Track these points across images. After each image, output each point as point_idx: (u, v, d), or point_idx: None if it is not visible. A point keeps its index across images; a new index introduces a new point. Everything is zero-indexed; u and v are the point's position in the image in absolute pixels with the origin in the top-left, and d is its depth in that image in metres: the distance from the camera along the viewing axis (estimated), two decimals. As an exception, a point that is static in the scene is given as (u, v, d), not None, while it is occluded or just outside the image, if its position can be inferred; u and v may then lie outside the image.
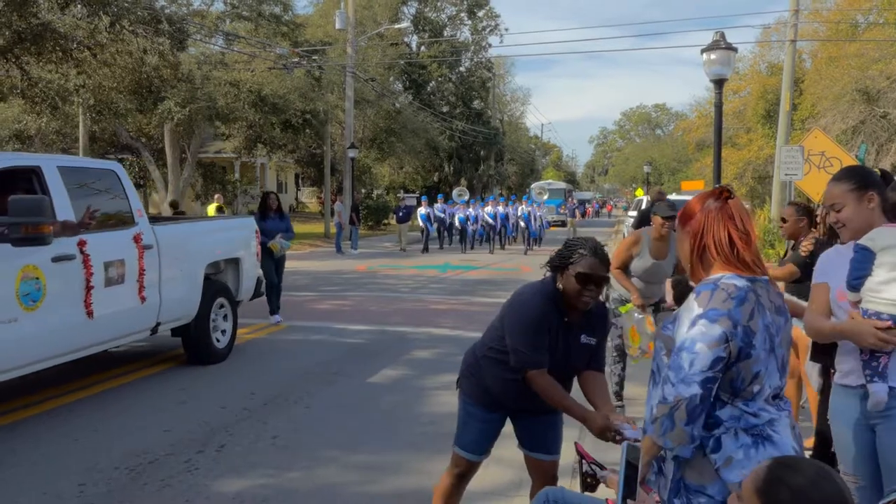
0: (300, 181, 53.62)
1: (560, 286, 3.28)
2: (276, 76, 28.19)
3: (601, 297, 3.45)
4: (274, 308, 11.07)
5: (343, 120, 35.20)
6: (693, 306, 2.31)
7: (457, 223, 28.02)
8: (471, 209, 28.09)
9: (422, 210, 27.78)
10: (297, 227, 35.39)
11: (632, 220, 20.85)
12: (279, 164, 45.23)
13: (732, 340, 2.24)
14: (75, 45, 16.69)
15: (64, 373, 7.57)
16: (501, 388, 3.47)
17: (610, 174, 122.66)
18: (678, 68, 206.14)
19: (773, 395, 2.34)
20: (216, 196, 22.00)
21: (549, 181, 60.34)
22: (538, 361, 3.26)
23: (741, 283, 2.31)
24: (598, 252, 3.25)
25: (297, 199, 54.30)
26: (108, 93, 20.23)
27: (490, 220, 27.32)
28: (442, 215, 28.11)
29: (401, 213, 27.68)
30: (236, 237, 9.11)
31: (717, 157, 11.60)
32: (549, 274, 3.38)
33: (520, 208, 29.37)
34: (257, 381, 7.54)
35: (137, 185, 41.80)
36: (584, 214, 66.75)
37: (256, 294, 9.42)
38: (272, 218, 11.02)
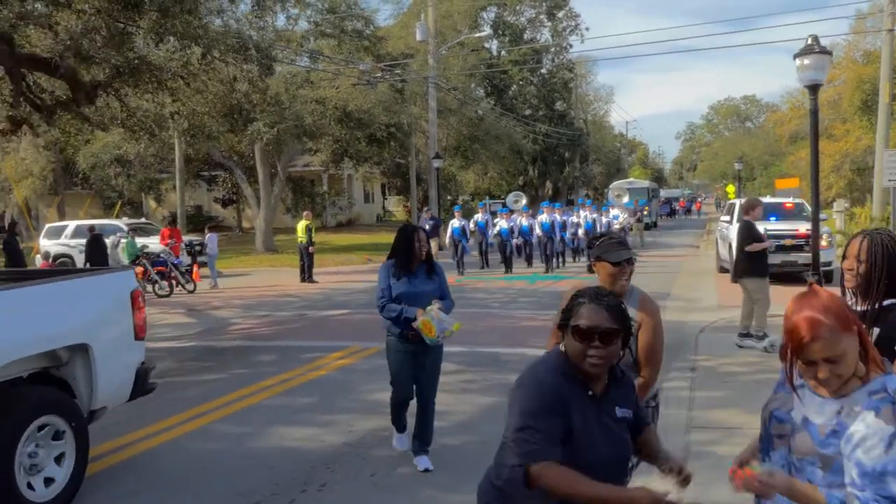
0: (387, 190, 54.29)
1: (564, 349, 2.70)
2: (361, 91, 28.67)
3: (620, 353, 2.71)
4: (417, 449, 6.13)
5: (427, 130, 35.49)
6: (877, 423, 2.17)
7: (492, 232, 23.36)
8: (523, 218, 23.43)
9: (455, 223, 22.58)
10: (385, 238, 35.97)
11: (726, 223, 19.88)
12: (366, 175, 45.90)
13: None
14: (169, 76, 17.29)
15: (156, 411, 7.86)
16: None
17: (699, 170, 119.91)
18: (768, 57, 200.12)
19: None
20: (304, 213, 22.47)
21: (631, 180, 56.00)
22: (547, 452, 2.52)
23: None
24: (600, 297, 2.66)
25: (384, 208, 55.02)
26: (201, 118, 21.00)
27: (542, 233, 22.39)
28: (482, 227, 23.64)
29: (427, 227, 22.43)
30: (91, 307, 5.88)
31: (815, 164, 11.20)
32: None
33: (584, 215, 24.22)
34: (354, 412, 7.67)
35: (230, 202, 43.16)
36: (671, 214, 65.40)
37: (140, 391, 6.32)
38: (418, 274, 5.88)
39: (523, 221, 23.09)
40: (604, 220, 24.49)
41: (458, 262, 21.59)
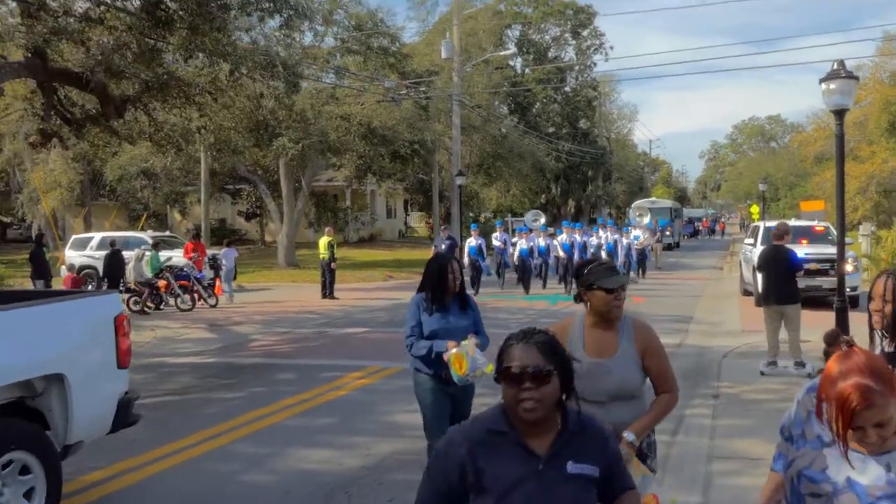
0: (409, 207, 54.44)
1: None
2: (385, 108, 28.80)
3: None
4: None
5: (450, 147, 35.58)
6: None
7: (512, 253, 22.62)
8: (541, 237, 22.64)
9: (472, 241, 21.87)
10: (406, 254, 36.06)
11: (750, 246, 19.68)
12: (388, 191, 46.08)
13: None
14: (197, 91, 17.49)
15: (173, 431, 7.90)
16: None
17: (723, 189, 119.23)
18: (793, 76, 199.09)
19: None
20: (327, 229, 22.55)
21: (654, 199, 55.07)
22: None
23: None
24: (529, 336, 2.45)
25: (406, 224, 55.17)
26: (228, 132, 21.21)
27: (563, 253, 21.95)
28: (501, 246, 23.08)
29: (443, 247, 20.79)
30: (69, 334, 5.52)
31: (840, 189, 11.07)
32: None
33: (604, 235, 23.40)
34: (373, 435, 7.66)
35: (254, 216, 43.46)
36: (694, 234, 64.98)
37: (122, 423, 5.89)
38: (451, 309, 5.37)
39: (541, 241, 22.47)
40: (624, 240, 23.77)
41: (472, 281, 20.88)
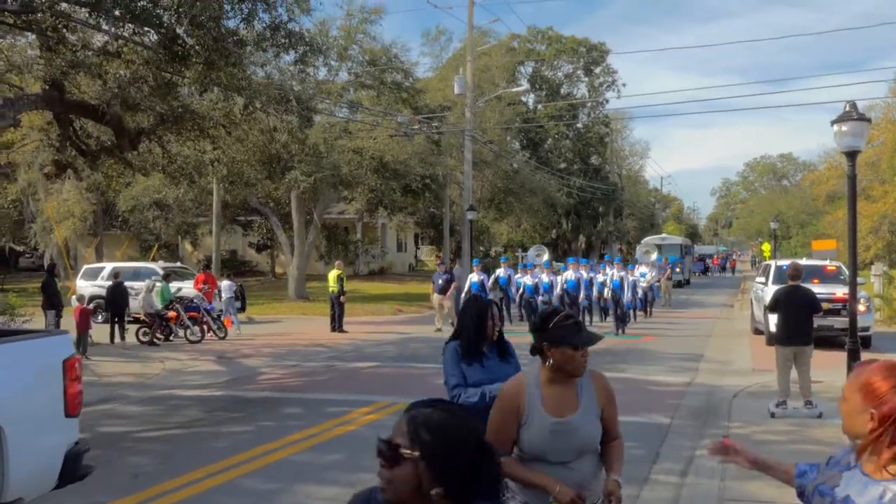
0: (419, 240, 54.58)
1: None
2: (398, 142, 29.00)
3: None
4: None
5: (461, 181, 35.73)
6: None
7: (516, 289, 22.16)
8: (545, 274, 21.99)
9: (474, 277, 21.17)
10: (416, 288, 36.02)
11: (761, 285, 19.58)
12: (399, 225, 46.23)
13: None
14: (212, 124, 17.67)
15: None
16: None
17: (734, 227, 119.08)
18: (805, 115, 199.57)
19: None
20: (336, 262, 22.60)
21: (664, 235, 53.92)
22: None
23: None
24: (415, 406, 1.99)
25: (416, 257, 55.26)
26: (241, 165, 21.39)
27: (560, 290, 21.11)
28: (504, 283, 22.23)
29: (440, 282, 21.03)
30: (8, 380, 4.96)
31: (853, 230, 11.05)
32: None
33: (611, 272, 21.96)
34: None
35: (265, 247, 43.62)
36: (705, 271, 64.79)
37: (70, 477, 5.32)
38: (489, 357, 4.74)
39: (545, 278, 21.75)
40: (631, 278, 22.71)
41: None
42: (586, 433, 3.39)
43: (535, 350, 3.42)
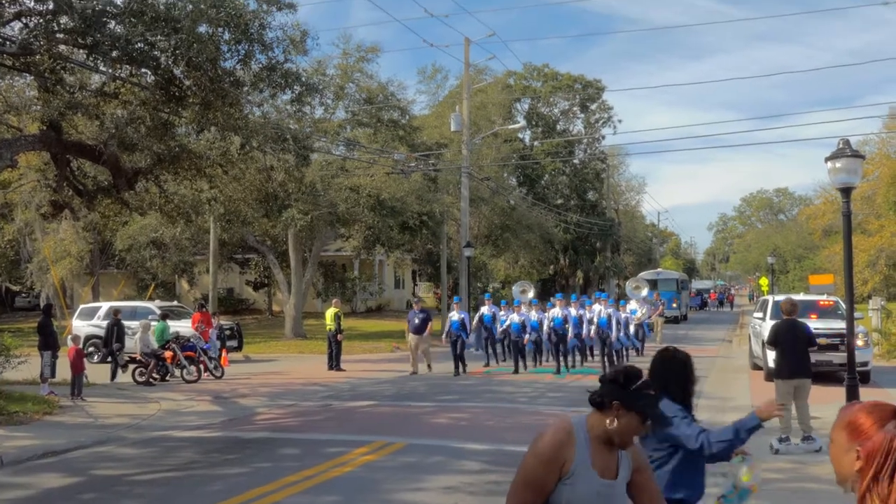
0: (417, 277, 54.56)
1: None
2: (395, 180, 29.11)
3: None
4: None
5: (458, 218, 35.80)
6: None
7: (500, 329, 21.07)
8: (532, 311, 20.65)
9: (453, 315, 20.26)
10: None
11: (759, 320, 19.52)
12: (397, 262, 46.23)
13: None
14: (209, 164, 17.74)
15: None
16: None
17: (731, 261, 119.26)
18: (801, 151, 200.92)
19: None
20: (334, 300, 22.51)
21: (659, 270, 53.23)
22: None
23: None
24: None
25: (413, 294, 55.18)
26: (237, 204, 21.43)
27: (547, 328, 19.78)
28: (490, 324, 21.24)
29: (416, 322, 19.72)
30: None
31: (849, 266, 11.06)
32: None
33: (598, 309, 20.36)
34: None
35: (262, 285, 43.55)
36: (702, 306, 64.72)
37: None
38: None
39: (533, 315, 20.42)
40: (622, 314, 21.68)
41: (455, 360, 19.39)
42: (623, 502, 3.20)
43: (599, 403, 3.16)
